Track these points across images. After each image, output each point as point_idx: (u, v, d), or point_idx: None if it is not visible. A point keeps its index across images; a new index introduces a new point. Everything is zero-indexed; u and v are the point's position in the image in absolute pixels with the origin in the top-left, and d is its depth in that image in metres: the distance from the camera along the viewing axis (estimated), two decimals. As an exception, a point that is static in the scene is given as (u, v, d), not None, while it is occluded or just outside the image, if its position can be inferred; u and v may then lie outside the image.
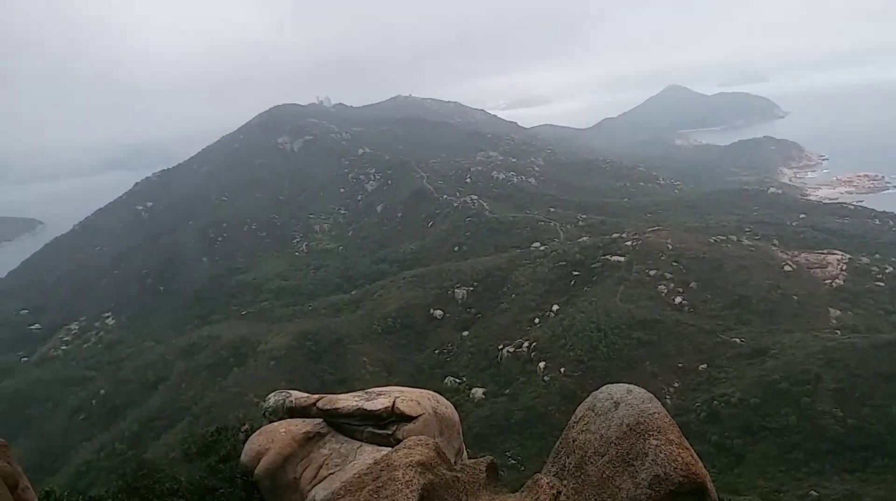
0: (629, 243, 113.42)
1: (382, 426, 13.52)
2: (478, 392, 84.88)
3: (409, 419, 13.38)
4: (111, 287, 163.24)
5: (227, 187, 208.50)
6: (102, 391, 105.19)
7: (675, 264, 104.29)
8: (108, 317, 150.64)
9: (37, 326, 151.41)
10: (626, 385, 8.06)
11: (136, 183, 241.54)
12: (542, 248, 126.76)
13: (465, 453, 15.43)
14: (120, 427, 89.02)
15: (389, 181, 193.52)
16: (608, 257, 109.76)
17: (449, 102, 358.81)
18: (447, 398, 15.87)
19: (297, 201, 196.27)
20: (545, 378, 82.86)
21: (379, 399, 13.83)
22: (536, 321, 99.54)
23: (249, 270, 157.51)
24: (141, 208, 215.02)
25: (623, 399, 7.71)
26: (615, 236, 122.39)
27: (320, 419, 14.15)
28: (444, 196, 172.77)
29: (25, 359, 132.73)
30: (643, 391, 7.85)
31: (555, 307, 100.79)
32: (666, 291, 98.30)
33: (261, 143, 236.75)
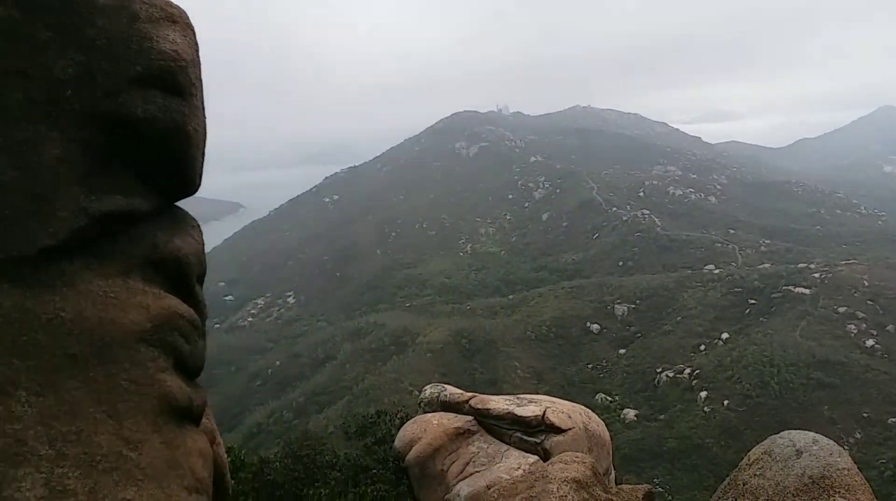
0: (817, 274, 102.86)
1: (531, 434, 13.42)
2: (630, 414, 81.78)
3: (559, 431, 13.16)
4: (295, 269, 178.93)
5: (404, 187, 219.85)
6: (278, 362, 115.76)
7: (870, 302, 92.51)
8: (289, 296, 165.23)
9: (230, 297, 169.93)
10: (812, 434, 7.22)
11: (326, 177, 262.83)
12: (716, 271, 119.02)
13: (612, 473, 14.85)
14: (289, 397, 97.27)
15: (558, 190, 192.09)
16: (791, 287, 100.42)
17: (629, 113, 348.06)
18: (598, 416, 15.39)
19: (467, 204, 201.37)
20: (705, 409, 77.84)
21: (530, 406, 13.74)
22: (702, 348, 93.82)
23: (417, 265, 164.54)
24: (328, 199, 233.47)
25: (807, 448, 6.92)
26: (801, 265, 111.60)
27: (471, 417, 14.36)
28: (613, 209, 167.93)
29: (218, 326, 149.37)
30: (832, 442, 6.98)
31: (724, 336, 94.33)
32: (856, 331, 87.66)
33: (439, 146, 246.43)
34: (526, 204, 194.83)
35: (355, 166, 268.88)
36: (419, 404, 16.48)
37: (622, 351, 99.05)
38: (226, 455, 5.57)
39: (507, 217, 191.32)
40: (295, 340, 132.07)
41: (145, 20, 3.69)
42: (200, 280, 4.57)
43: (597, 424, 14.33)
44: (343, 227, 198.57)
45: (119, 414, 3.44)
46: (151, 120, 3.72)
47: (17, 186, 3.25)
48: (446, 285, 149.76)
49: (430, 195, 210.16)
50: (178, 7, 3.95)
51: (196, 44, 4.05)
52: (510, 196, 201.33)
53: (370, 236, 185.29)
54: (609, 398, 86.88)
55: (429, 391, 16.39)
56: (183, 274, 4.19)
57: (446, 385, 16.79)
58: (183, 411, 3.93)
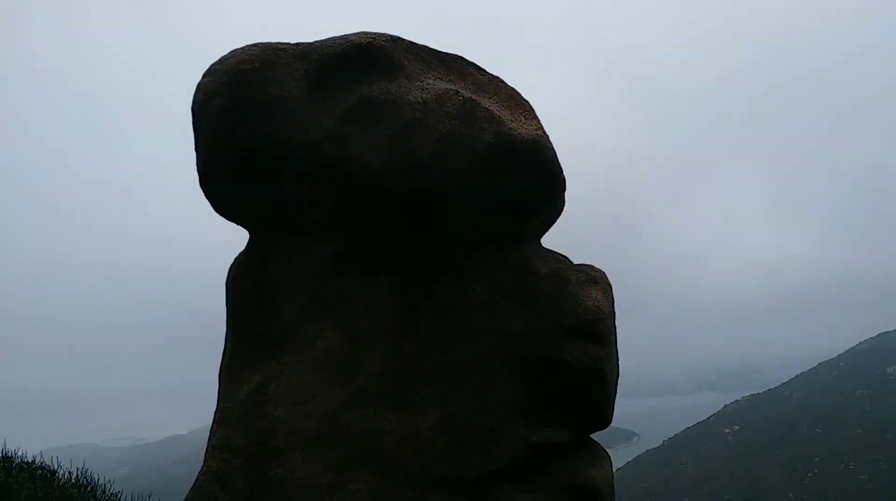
0: None
1: None
2: None
3: None
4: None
5: (821, 418, 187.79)
6: None
7: None
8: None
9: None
10: None
11: (725, 405, 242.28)
12: None
13: None
14: None
15: None
16: None
17: None
18: None
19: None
20: None
21: None
22: None
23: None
24: (728, 430, 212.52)
25: None
26: None
27: None
28: None
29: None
30: None
31: None
32: None
33: (864, 371, 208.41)
34: None
35: (757, 393, 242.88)
36: None
37: None
38: None
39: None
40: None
41: (575, 284, 4.67)
42: None
43: None
44: (746, 462, 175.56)
45: None
46: (576, 363, 4.49)
47: (476, 419, 4.27)
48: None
49: (856, 430, 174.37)
50: (599, 270, 4.88)
51: (613, 298, 4.84)
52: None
53: (780, 474, 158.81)
54: None
55: None
56: None
57: None
58: None
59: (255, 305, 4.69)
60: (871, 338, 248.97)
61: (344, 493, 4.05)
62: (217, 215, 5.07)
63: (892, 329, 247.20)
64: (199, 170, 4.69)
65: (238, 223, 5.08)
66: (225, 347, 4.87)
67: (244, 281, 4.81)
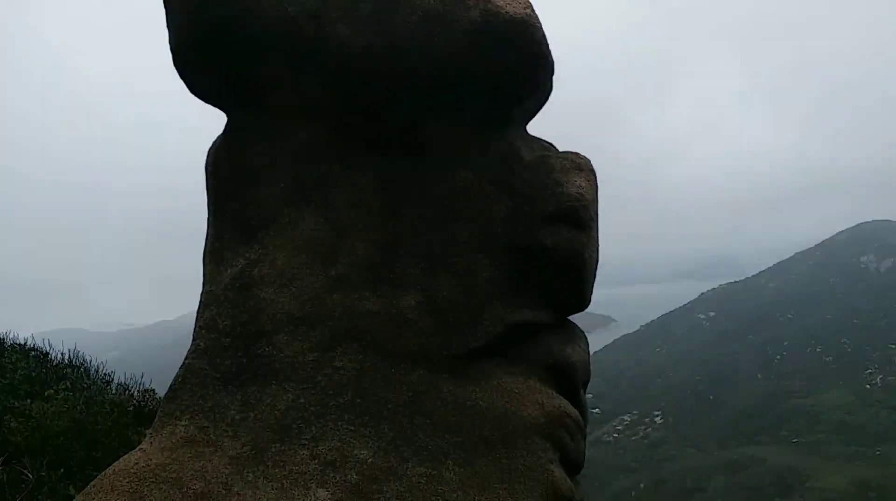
0: None
1: None
2: None
3: None
4: (664, 387, 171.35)
5: (793, 305, 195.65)
6: (642, 485, 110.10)
7: None
8: (657, 416, 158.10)
9: (597, 410, 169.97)
10: None
11: (702, 293, 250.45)
12: None
13: None
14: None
15: None
16: None
17: None
18: None
19: (876, 327, 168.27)
20: None
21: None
22: None
23: (808, 395, 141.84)
24: (703, 316, 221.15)
25: None
26: None
27: None
28: None
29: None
30: None
31: None
32: None
33: (839, 261, 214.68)
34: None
35: (735, 282, 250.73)
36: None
37: None
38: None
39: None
40: (661, 463, 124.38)
41: (558, 170, 4.67)
42: (584, 386, 5.19)
43: None
44: (719, 346, 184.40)
45: (516, 493, 4.08)
46: (558, 248, 4.58)
47: (459, 300, 4.39)
48: (846, 422, 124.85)
49: (825, 316, 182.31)
50: (584, 157, 4.87)
51: (596, 185, 4.87)
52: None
53: (751, 357, 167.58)
54: None
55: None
56: (571, 379, 4.87)
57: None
58: None
59: (235, 189, 4.68)
60: (848, 229, 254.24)
61: (330, 370, 4.22)
62: (194, 96, 4.94)
63: (870, 220, 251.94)
64: (171, 48, 4.51)
65: (214, 105, 4.97)
66: (207, 231, 4.89)
67: (223, 165, 4.76)
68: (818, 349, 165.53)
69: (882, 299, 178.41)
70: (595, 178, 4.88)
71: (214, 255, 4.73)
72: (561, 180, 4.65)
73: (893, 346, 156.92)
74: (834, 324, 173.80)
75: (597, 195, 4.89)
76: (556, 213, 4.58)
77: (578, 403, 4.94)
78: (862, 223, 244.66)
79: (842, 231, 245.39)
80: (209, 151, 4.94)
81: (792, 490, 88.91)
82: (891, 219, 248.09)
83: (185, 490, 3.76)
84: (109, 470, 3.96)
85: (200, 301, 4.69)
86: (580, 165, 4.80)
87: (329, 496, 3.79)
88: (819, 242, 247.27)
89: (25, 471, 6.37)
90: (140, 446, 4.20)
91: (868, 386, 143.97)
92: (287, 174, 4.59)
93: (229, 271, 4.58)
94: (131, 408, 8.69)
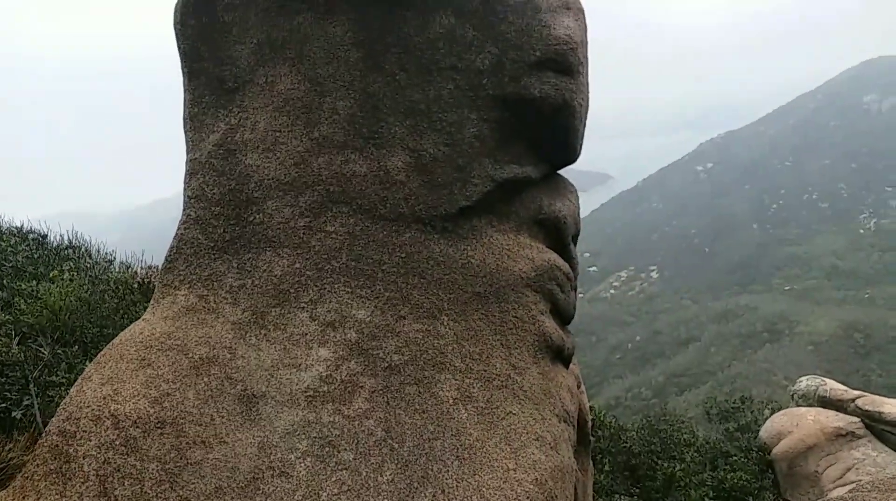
0: None
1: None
2: None
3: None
4: (660, 242, 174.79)
5: (792, 151, 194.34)
6: (638, 338, 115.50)
7: None
8: (653, 270, 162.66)
9: (594, 268, 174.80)
10: None
11: (701, 143, 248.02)
12: None
13: None
14: (648, 375, 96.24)
15: None
16: None
17: None
18: None
19: (874, 171, 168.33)
20: None
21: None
22: None
23: (802, 242, 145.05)
24: (701, 168, 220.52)
25: None
26: None
27: (856, 419, 12.92)
28: None
29: (581, 295, 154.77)
30: None
31: None
32: None
33: (842, 102, 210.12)
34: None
35: (733, 131, 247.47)
36: (792, 396, 15.26)
37: None
38: (588, 406, 6.33)
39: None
40: (656, 316, 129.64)
41: (545, 10, 4.38)
42: (575, 239, 5.23)
43: None
44: (716, 198, 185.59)
45: (509, 344, 4.25)
46: (545, 98, 4.40)
47: (446, 159, 4.28)
48: (838, 267, 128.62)
49: (824, 161, 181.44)
50: None
51: (586, 26, 4.62)
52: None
53: (746, 207, 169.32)
54: None
55: (805, 382, 15.05)
56: (561, 232, 4.88)
57: (827, 379, 15.27)
58: (556, 350, 4.60)
59: (206, 48, 4.45)
60: (852, 67, 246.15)
61: (322, 235, 4.22)
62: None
63: (875, 57, 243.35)
64: None
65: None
66: (184, 95, 4.71)
67: (191, 22, 4.48)
68: (814, 196, 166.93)
69: (881, 140, 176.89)
70: (584, 17, 4.61)
71: (194, 120, 4.60)
72: (548, 22, 4.38)
73: (890, 189, 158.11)
74: (831, 169, 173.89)
75: (586, 37, 4.65)
76: (542, 58, 4.35)
77: (568, 256, 4.99)
78: (867, 61, 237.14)
79: (844, 71, 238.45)
80: (175, 8, 4.67)
81: (782, 334, 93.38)
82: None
83: (190, 355, 3.89)
84: (116, 341, 4.09)
85: (186, 170, 4.62)
86: (568, 3, 4.51)
87: (330, 354, 3.92)
88: (822, 83, 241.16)
89: (42, 349, 6.63)
90: (143, 317, 4.30)
91: (861, 231, 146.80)
92: (259, 29, 4.34)
93: (211, 136, 4.46)
94: (136, 285, 8.90)
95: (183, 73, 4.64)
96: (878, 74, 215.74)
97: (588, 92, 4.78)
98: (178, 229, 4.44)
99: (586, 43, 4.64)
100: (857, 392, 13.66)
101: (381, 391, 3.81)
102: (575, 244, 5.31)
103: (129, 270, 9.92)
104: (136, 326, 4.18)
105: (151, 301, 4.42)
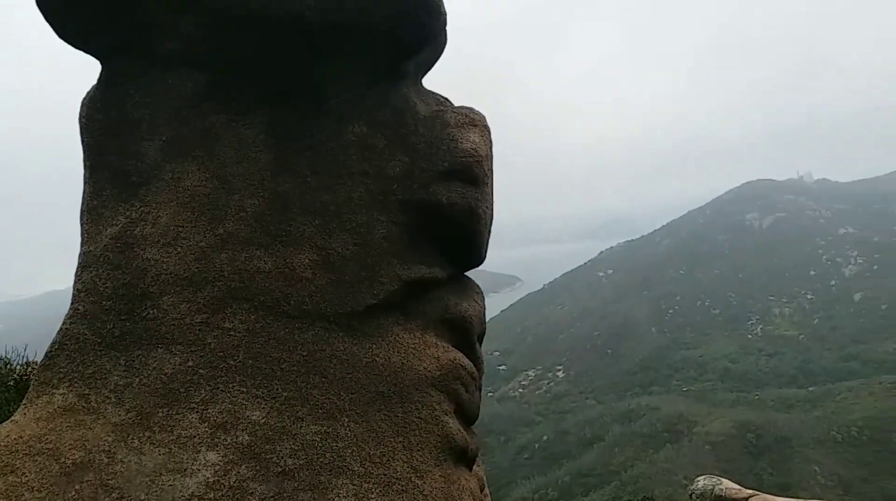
0: None
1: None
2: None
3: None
4: (566, 343, 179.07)
5: (685, 261, 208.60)
6: (545, 437, 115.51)
7: None
8: (559, 370, 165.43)
9: (503, 367, 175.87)
10: None
11: (601, 251, 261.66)
12: None
13: None
14: (555, 475, 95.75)
15: (875, 267, 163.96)
16: None
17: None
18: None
19: (758, 281, 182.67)
20: None
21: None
22: None
23: (697, 346, 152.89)
24: (602, 274, 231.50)
25: None
26: None
27: None
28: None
29: (490, 394, 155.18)
30: None
31: None
32: None
33: (727, 219, 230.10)
34: (832, 282, 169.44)
35: (632, 240, 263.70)
36: (690, 495, 15.67)
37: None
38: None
39: (808, 296, 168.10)
40: (563, 416, 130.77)
41: (453, 125, 4.66)
42: (480, 339, 5.28)
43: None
44: (617, 302, 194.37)
45: (411, 445, 4.16)
46: (453, 204, 4.59)
47: (355, 257, 4.32)
48: (730, 370, 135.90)
49: (714, 271, 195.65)
50: (479, 113, 4.88)
51: (491, 141, 4.90)
52: (812, 273, 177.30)
53: (645, 312, 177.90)
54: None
55: (702, 482, 15.48)
56: (467, 332, 4.93)
57: (723, 479, 15.77)
58: (460, 452, 4.53)
59: (112, 143, 4.37)
60: (735, 188, 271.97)
61: (220, 331, 4.09)
62: (62, 41, 4.54)
63: (755, 179, 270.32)
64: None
65: (86, 52, 4.57)
66: (84, 189, 4.57)
67: (99, 117, 4.42)
68: (707, 303, 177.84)
69: (763, 255, 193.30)
70: (489, 133, 4.90)
71: (92, 213, 4.44)
72: (456, 136, 4.65)
73: (772, 298, 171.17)
74: (721, 279, 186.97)
75: (491, 151, 4.93)
76: (451, 169, 4.58)
77: (474, 356, 5.03)
78: (747, 182, 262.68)
79: (729, 190, 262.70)
80: (82, 103, 4.59)
81: (681, 434, 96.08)
82: (774, 178, 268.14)
83: (62, 460, 3.57)
84: (-24, 445, 3.69)
85: (79, 263, 4.41)
86: (474, 121, 4.80)
87: (219, 458, 3.71)
88: (709, 200, 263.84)
89: None
90: (12, 418, 3.94)
91: (750, 336, 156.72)
92: (169, 126, 4.33)
93: (109, 230, 4.31)
94: (12, 383, 8.14)
95: (85, 166, 4.52)
96: (757, 195, 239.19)
97: (492, 201, 5.02)
98: (64, 323, 4.18)
99: (491, 157, 4.91)
100: (750, 491, 14.10)
101: (271, 498, 3.62)
102: (480, 344, 5.37)
103: (7, 365, 9.08)
104: (3, 428, 3.81)
105: (24, 401, 4.07)
